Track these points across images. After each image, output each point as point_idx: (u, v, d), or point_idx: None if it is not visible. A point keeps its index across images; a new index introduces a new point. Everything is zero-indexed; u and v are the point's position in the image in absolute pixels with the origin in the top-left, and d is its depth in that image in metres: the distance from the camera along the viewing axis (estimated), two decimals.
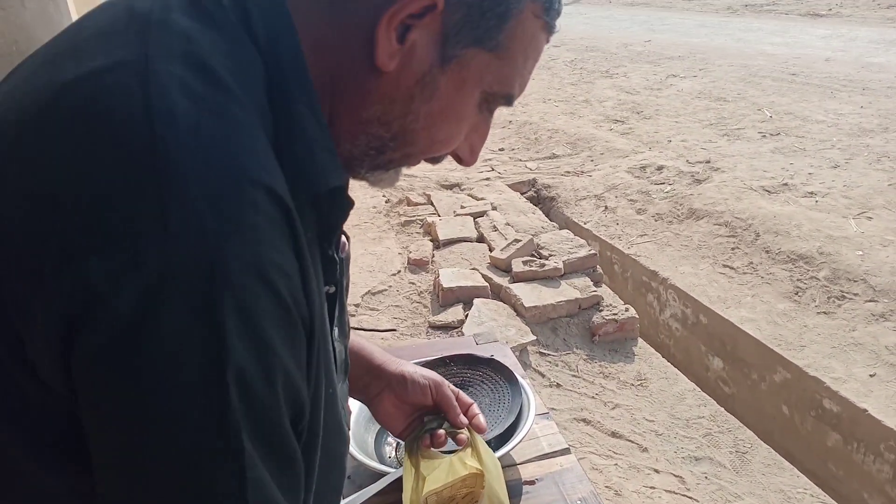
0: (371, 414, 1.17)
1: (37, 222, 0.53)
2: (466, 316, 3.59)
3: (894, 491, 2.98)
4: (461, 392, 1.17)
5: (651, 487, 2.67)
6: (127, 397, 0.52)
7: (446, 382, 1.15)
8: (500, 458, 1.47)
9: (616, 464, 2.79)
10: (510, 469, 1.54)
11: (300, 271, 0.59)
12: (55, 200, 0.52)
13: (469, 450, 1.11)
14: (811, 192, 5.17)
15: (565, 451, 1.60)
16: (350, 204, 0.72)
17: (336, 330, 0.80)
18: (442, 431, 1.12)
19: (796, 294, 4.06)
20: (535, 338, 3.50)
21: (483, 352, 1.82)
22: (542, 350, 3.52)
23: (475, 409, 1.16)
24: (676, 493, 2.65)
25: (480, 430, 1.14)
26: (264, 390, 0.56)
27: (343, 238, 0.82)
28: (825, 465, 3.26)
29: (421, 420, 1.15)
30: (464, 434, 1.12)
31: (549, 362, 3.47)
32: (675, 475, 2.76)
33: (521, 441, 1.48)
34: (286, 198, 0.58)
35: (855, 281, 4.01)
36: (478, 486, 1.11)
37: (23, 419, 0.60)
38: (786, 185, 5.34)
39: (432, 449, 1.12)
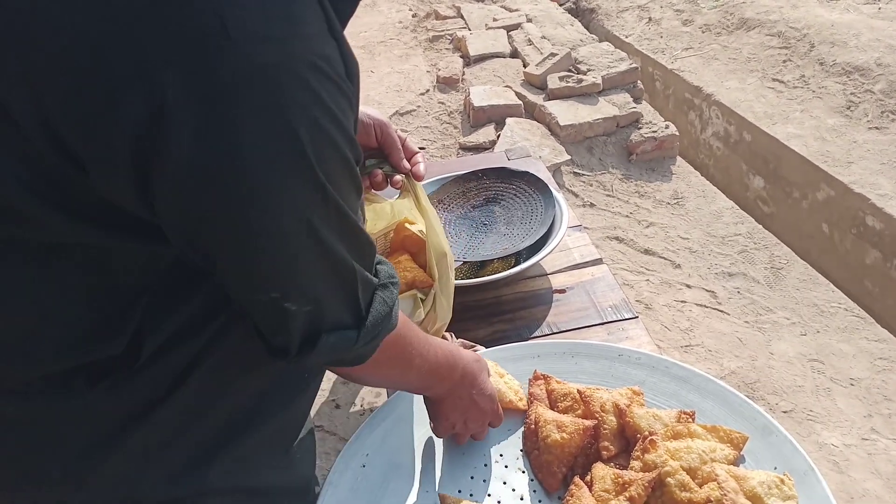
0: None
1: (107, 43, 0.53)
2: (499, 136, 3.48)
3: None
4: (408, 139, 1.13)
5: (682, 301, 2.68)
6: (222, 201, 0.58)
7: (392, 125, 1.11)
8: (530, 268, 1.45)
9: (648, 279, 2.79)
10: (540, 278, 1.53)
11: (341, 55, 0.63)
12: (123, 24, 0.53)
13: (411, 200, 1.09)
14: None
15: (597, 262, 1.57)
16: None
17: None
18: (379, 171, 1.08)
19: (848, 108, 3.84)
20: (569, 157, 3.40)
21: (516, 166, 1.76)
22: (576, 170, 3.44)
23: (419, 157, 1.13)
24: (707, 307, 2.66)
25: (418, 178, 1.11)
26: (343, 171, 0.65)
27: None
28: (861, 282, 3.23)
29: (363, 163, 1.10)
30: (399, 177, 1.08)
31: (584, 182, 3.39)
32: (707, 290, 2.76)
33: (551, 251, 1.45)
34: None
35: None
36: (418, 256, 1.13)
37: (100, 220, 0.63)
38: None
39: (372, 191, 1.09)
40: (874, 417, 2.24)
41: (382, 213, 1.15)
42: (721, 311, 2.66)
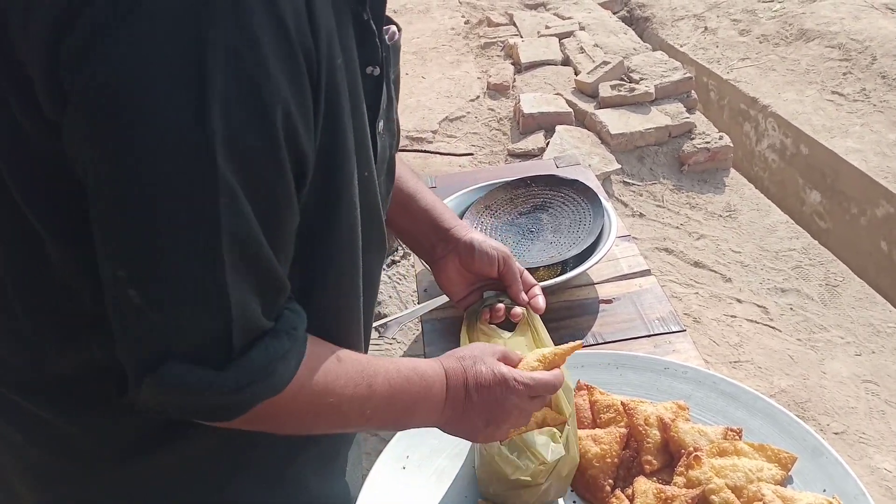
0: (433, 275, 1.16)
1: None
2: (548, 143, 3.47)
3: None
4: (526, 271, 1.13)
5: (732, 316, 2.63)
6: (107, 92, 0.51)
7: (514, 258, 1.12)
8: (576, 277, 1.44)
9: (697, 293, 2.74)
10: (587, 288, 1.51)
11: (307, 5, 0.55)
12: None
13: (529, 335, 1.08)
14: None
15: (645, 273, 1.55)
16: None
17: (381, 123, 0.74)
18: (501, 305, 1.09)
19: None
20: (619, 166, 3.37)
21: (565, 174, 1.75)
22: (626, 179, 3.40)
23: (537, 290, 1.11)
24: (758, 323, 2.60)
25: (537, 311, 1.09)
26: (255, 123, 0.54)
27: (394, 27, 0.75)
28: None
29: (481, 293, 1.12)
30: (519, 310, 1.09)
31: (633, 192, 3.35)
32: (758, 305, 2.70)
33: (598, 261, 1.44)
34: None
35: None
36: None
37: (37, 182, 0.59)
38: None
39: (491, 325, 1.09)
40: None
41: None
42: (772, 328, 2.59)
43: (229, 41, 0.50)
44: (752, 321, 2.62)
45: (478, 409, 0.83)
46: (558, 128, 3.53)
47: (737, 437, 1.03)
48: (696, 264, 2.92)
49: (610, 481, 1.01)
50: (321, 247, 0.68)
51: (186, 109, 0.51)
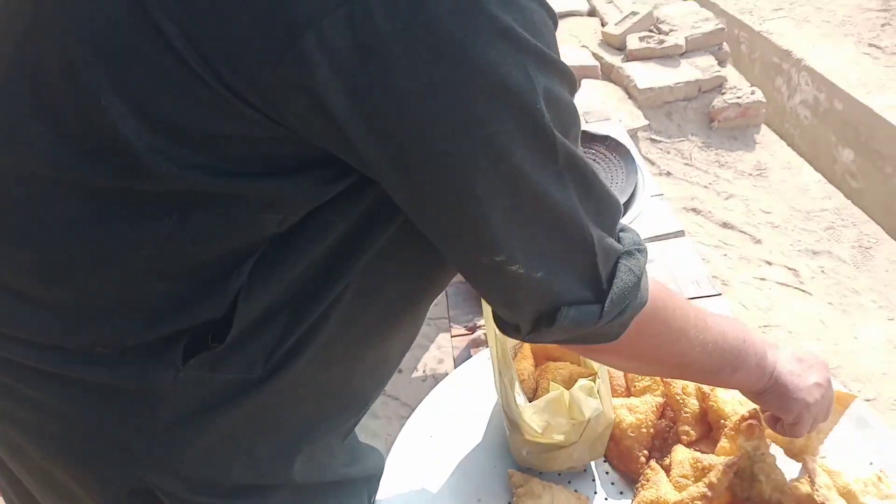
0: None
1: None
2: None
3: None
4: None
5: (761, 279, 2.56)
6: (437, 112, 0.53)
7: None
8: None
9: (725, 254, 2.68)
10: None
11: None
12: None
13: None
14: None
15: (679, 234, 1.50)
16: None
17: None
18: None
19: None
20: (647, 123, 3.27)
21: (596, 130, 1.68)
22: (653, 136, 3.31)
23: None
24: (789, 286, 2.54)
25: None
26: (569, 114, 0.60)
27: None
28: None
29: None
30: None
31: (661, 149, 3.26)
32: (788, 268, 2.63)
33: (632, 221, 1.39)
34: None
35: None
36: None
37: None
38: None
39: None
40: None
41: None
42: (803, 291, 2.53)
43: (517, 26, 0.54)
44: (782, 284, 2.55)
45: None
46: (584, 82, 3.43)
47: None
48: (725, 225, 2.85)
49: (645, 452, 0.97)
50: None
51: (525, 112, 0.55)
